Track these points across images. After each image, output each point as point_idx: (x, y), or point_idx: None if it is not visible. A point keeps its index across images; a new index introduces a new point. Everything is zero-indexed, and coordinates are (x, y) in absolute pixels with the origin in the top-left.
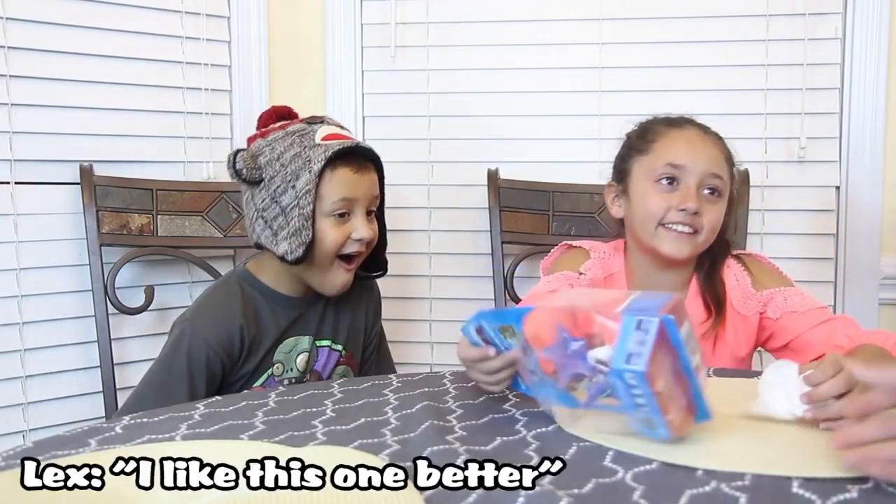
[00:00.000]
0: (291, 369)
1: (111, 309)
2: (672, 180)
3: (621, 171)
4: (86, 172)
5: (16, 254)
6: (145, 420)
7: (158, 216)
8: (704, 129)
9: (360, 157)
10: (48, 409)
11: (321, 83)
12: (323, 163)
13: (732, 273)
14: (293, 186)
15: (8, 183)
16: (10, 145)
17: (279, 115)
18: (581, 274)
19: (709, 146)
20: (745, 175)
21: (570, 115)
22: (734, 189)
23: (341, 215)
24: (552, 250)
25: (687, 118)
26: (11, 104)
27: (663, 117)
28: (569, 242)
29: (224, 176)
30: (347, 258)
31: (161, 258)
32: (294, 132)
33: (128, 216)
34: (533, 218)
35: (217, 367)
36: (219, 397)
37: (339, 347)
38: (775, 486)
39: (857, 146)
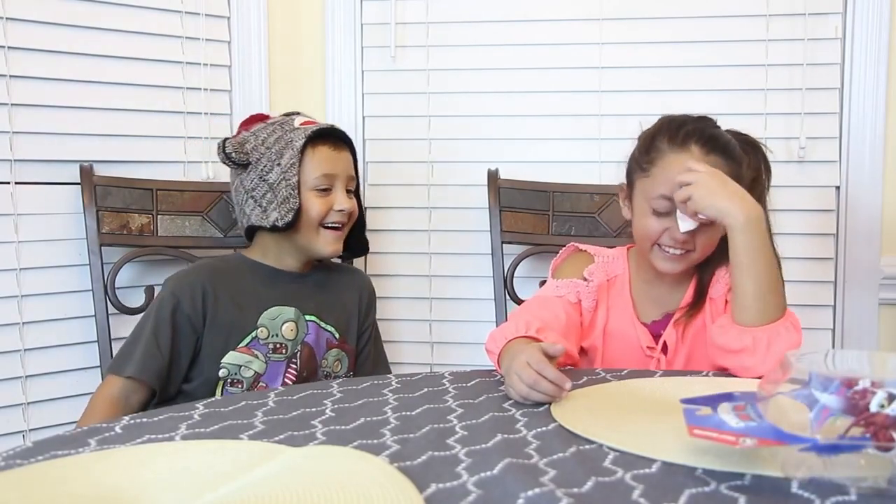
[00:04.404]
0: (276, 335)
1: (111, 309)
2: (667, 207)
3: (628, 180)
4: (86, 172)
5: (16, 254)
6: (145, 420)
7: (158, 216)
8: (708, 149)
9: (335, 139)
10: (48, 409)
11: (321, 83)
12: (304, 140)
13: (724, 276)
14: (278, 164)
15: (8, 183)
16: (11, 145)
17: (260, 119)
18: (587, 280)
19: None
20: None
21: (570, 115)
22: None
23: (324, 190)
24: (561, 251)
25: (691, 131)
26: (11, 104)
27: (669, 127)
28: (576, 245)
29: (224, 176)
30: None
31: (161, 258)
32: (275, 122)
33: (128, 216)
34: (533, 218)
35: (182, 318)
36: (218, 397)
37: (330, 328)
38: (774, 486)
39: (857, 146)
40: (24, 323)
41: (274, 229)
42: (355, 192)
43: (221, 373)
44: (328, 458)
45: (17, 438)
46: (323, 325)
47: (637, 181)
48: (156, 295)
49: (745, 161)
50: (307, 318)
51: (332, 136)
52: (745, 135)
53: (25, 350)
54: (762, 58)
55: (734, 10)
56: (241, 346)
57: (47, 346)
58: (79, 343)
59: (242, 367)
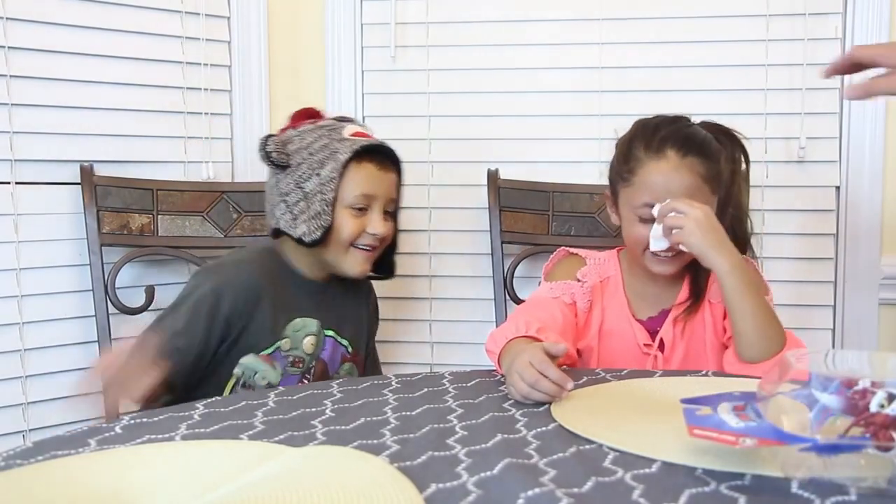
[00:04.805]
0: (297, 349)
1: (111, 309)
2: (652, 213)
3: (612, 189)
4: (86, 172)
5: (16, 254)
6: (145, 420)
7: (159, 216)
8: (684, 152)
9: (383, 157)
10: (48, 409)
11: (321, 83)
12: (349, 155)
13: None
14: (318, 174)
15: (8, 183)
16: (11, 145)
17: (309, 115)
18: (580, 282)
19: (685, 175)
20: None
21: (570, 115)
22: (734, 186)
23: (360, 209)
24: (552, 255)
25: (666, 136)
26: (11, 104)
27: (643, 133)
28: (567, 249)
29: (224, 176)
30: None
31: (161, 258)
32: (323, 126)
33: (128, 216)
34: (533, 218)
35: (220, 318)
36: (218, 397)
37: (345, 342)
38: (774, 486)
39: (857, 146)
40: (24, 323)
41: (300, 242)
42: (394, 214)
43: (236, 371)
44: (328, 458)
45: (17, 438)
46: (339, 339)
47: (620, 190)
48: (192, 282)
49: (723, 154)
50: (326, 332)
51: (379, 154)
52: (719, 125)
53: (25, 350)
54: (762, 58)
55: (734, 10)
56: (264, 353)
57: (47, 346)
58: (79, 343)
59: (258, 374)
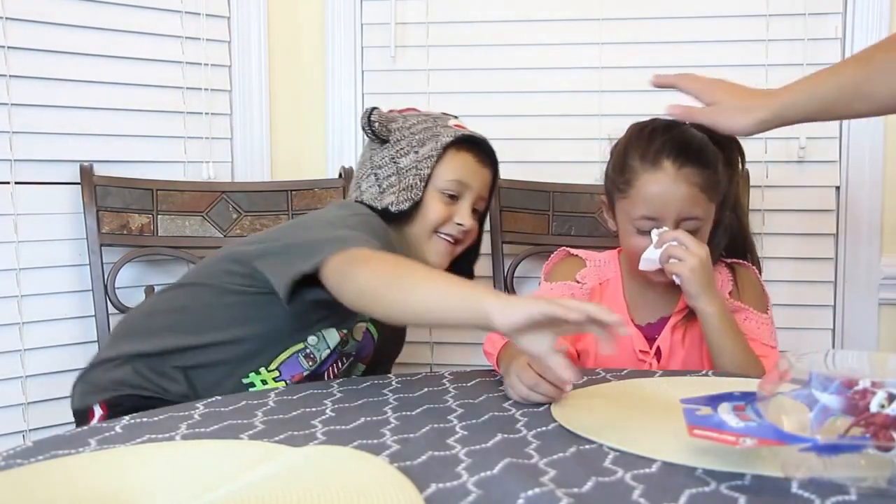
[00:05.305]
0: (352, 337)
1: (111, 309)
2: (651, 226)
3: (608, 197)
4: (86, 172)
5: (16, 254)
6: (145, 420)
7: (158, 216)
8: (680, 162)
9: (483, 153)
10: (48, 409)
11: (321, 83)
12: (451, 139)
13: (719, 278)
14: (416, 151)
15: (8, 183)
16: (10, 145)
17: (413, 109)
18: (579, 283)
19: (682, 186)
20: (745, 175)
21: (570, 115)
22: (732, 190)
23: (451, 196)
24: (552, 255)
25: (661, 146)
26: (11, 104)
27: (638, 142)
28: (567, 249)
29: (224, 176)
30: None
31: (161, 258)
32: (429, 115)
33: (128, 216)
34: (533, 218)
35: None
36: (218, 397)
37: (375, 334)
38: (774, 486)
39: (857, 146)
40: (23, 323)
41: (385, 213)
42: (481, 215)
43: (311, 339)
44: (328, 458)
45: (17, 438)
46: (373, 333)
47: (616, 201)
48: (336, 212)
49: (720, 158)
50: (368, 325)
51: (478, 148)
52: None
53: (25, 350)
54: (762, 58)
55: (734, 10)
56: (342, 329)
57: (47, 346)
58: (79, 343)
59: (322, 348)
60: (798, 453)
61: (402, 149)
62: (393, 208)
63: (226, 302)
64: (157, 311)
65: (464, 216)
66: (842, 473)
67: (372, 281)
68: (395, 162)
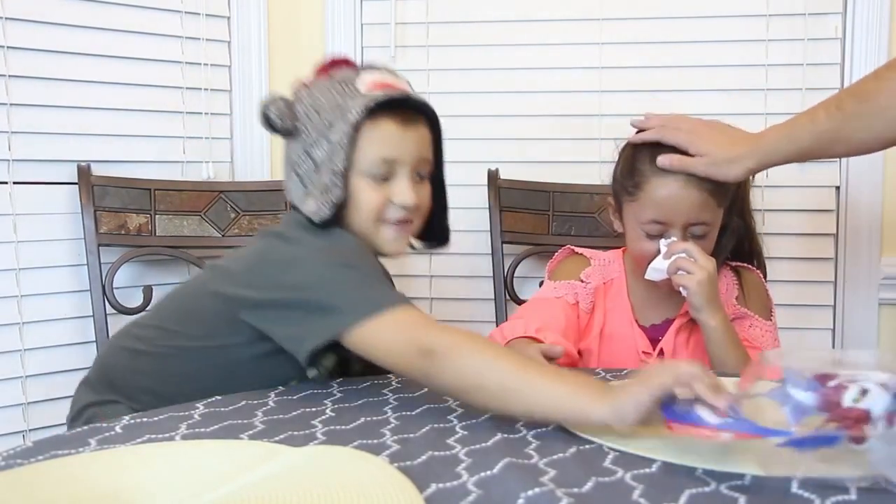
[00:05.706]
0: None
1: (109, 309)
2: (659, 230)
3: (616, 199)
4: (84, 172)
5: (14, 254)
6: (145, 420)
7: (156, 216)
8: None
9: (409, 111)
10: (48, 409)
11: None
12: (361, 114)
13: (724, 282)
14: (327, 139)
15: (6, 183)
16: (9, 145)
17: (335, 66)
18: (583, 281)
19: (692, 192)
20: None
21: (570, 115)
22: (739, 197)
23: (383, 177)
24: (556, 254)
25: (672, 148)
26: (10, 104)
27: (647, 144)
28: (572, 248)
29: (223, 176)
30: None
31: (159, 258)
32: (339, 79)
33: (126, 216)
34: (533, 218)
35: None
36: (218, 397)
37: None
38: (774, 486)
39: None
40: (23, 323)
41: (310, 222)
42: (433, 177)
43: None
44: (328, 458)
45: (17, 438)
46: None
47: (624, 204)
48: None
49: None
50: None
51: (402, 107)
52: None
53: (25, 350)
54: (762, 58)
55: (734, 10)
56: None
57: (46, 346)
58: (77, 343)
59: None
60: (776, 448)
61: (313, 138)
62: (315, 218)
63: (240, 372)
64: (143, 372)
65: (403, 194)
66: (842, 473)
67: (479, 379)
68: (308, 155)
